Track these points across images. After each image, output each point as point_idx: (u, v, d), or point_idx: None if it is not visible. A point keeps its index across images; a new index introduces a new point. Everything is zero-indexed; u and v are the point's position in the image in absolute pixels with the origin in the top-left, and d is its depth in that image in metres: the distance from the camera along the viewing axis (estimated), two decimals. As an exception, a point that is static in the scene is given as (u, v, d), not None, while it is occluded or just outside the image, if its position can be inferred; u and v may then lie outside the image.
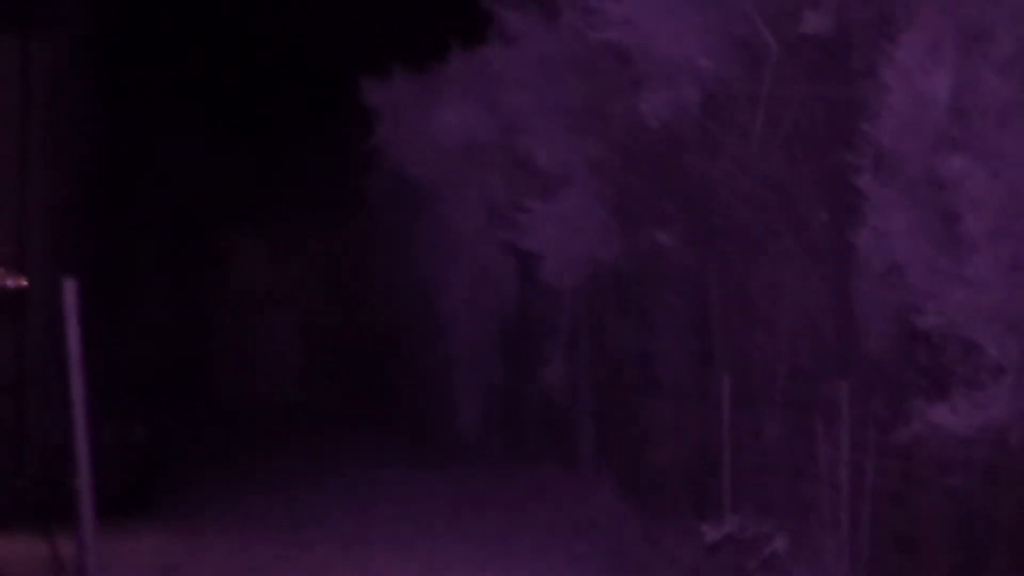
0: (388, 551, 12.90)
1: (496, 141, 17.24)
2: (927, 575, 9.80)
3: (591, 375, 16.17)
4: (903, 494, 10.00)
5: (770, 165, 11.67)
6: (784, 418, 11.42)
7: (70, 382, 8.63)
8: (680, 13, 11.68)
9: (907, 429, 9.43)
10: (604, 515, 14.05)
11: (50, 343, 10.57)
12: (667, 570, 11.81)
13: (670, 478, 13.41)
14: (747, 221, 12.29)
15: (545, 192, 15.36)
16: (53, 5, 15.50)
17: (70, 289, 8.59)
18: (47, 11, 15.26)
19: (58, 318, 8.85)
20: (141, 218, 23.99)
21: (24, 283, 13.12)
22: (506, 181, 17.26)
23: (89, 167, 19.11)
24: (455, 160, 18.36)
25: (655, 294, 14.54)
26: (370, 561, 12.50)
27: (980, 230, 8.83)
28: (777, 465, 11.40)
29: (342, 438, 21.31)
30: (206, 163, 25.54)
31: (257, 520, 14.55)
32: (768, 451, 11.57)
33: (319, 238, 27.42)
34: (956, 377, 9.07)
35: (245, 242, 28.26)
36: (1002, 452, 8.84)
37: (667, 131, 13.02)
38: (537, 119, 15.78)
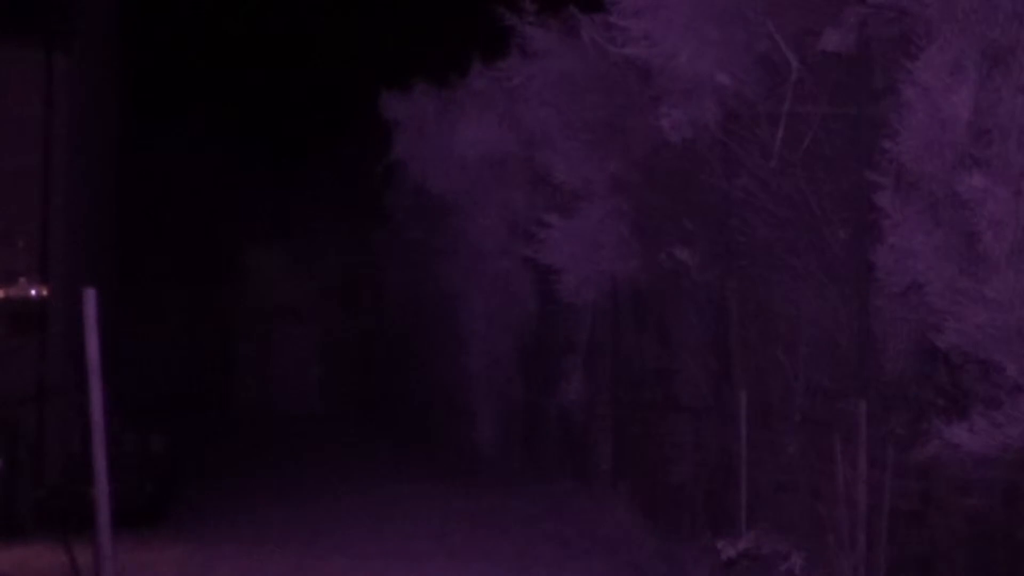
0: (404, 566, 12.90)
1: (516, 156, 17.29)
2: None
3: (609, 391, 16.16)
4: (921, 514, 9.96)
5: (790, 183, 11.66)
6: (802, 436, 11.39)
7: (89, 391, 8.65)
8: (701, 30, 11.69)
9: (925, 448, 9.42)
10: (621, 531, 14.02)
11: (71, 353, 10.60)
12: (684, 587, 11.80)
13: (687, 495, 13.38)
14: (766, 238, 12.27)
15: (565, 208, 15.39)
16: (76, 16, 15.58)
17: (90, 298, 8.62)
18: (70, 22, 15.35)
19: (79, 327, 8.89)
20: (163, 230, 24.07)
21: (45, 292, 13.18)
22: (526, 196, 17.31)
23: (111, 178, 19.23)
24: (475, 175, 18.42)
25: (674, 311, 14.52)
26: (387, 575, 12.51)
27: (1000, 249, 8.80)
28: (794, 483, 11.37)
29: (360, 451, 21.33)
30: (227, 176, 25.64)
31: (274, 533, 14.58)
32: (785, 469, 11.54)
33: (339, 252, 27.50)
34: (975, 397, 9.04)
35: (266, 255, 28.37)
36: (1022, 472, 8.81)
37: (687, 148, 13.04)
38: (557, 134, 15.81)
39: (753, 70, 11.57)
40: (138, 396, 18.21)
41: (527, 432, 18.41)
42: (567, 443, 17.02)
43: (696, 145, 12.95)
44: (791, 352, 11.89)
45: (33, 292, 13.15)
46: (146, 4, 20.79)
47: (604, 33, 12.93)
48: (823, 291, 11.35)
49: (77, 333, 9.04)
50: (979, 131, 9.05)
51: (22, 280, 13.30)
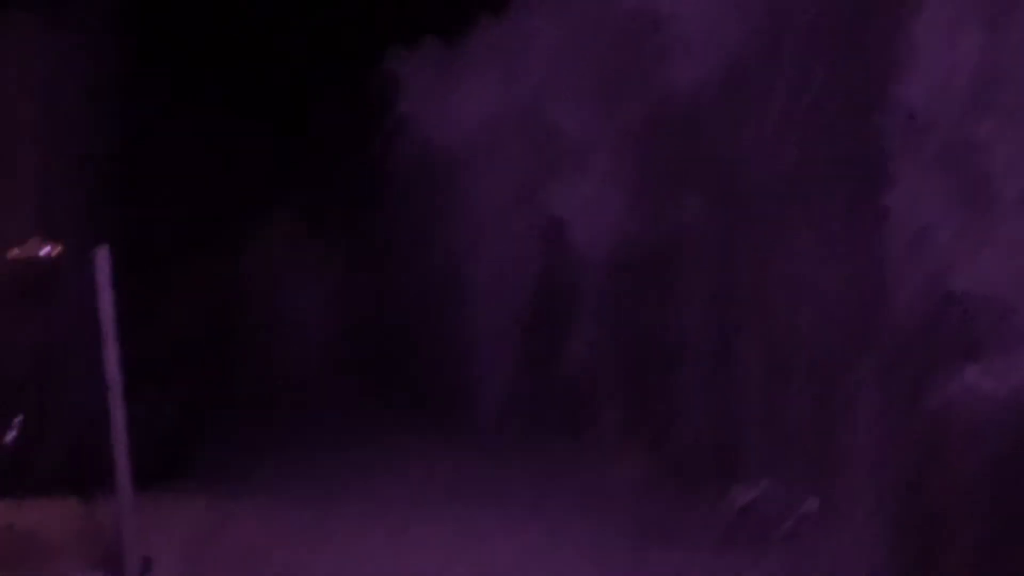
0: (419, 517, 12.96)
1: (523, 111, 17.22)
2: (959, 542, 9.80)
3: (618, 347, 16.15)
4: (935, 460, 9.98)
5: (797, 131, 11.66)
6: (812, 385, 11.42)
7: (104, 349, 8.70)
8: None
9: (939, 394, 9.45)
10: (634, 485, 14.04)
11: (84, 312, 10.64)
12: (697, 536, 11.83)
13: (698, 448, 13.41)
14: (774, 188, 12.28)
15: (571, 163, 15.37)
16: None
17: (103, 258, 8.66)
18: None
19: (91, 287, 8.94)
20: (170, 191, 24.00)
21: (57, 251, 13.21)
22: (533, 152, 17.25)
23: (117, 138, 19.16)
24: (481, 131, 18.33)
25: (682, 265, 14.52)
26: (402, 526, 12.57)
27: (1012, 193, 8.83)
28: (806, 433, 11.40)
29: (372, 411, 21.30)
30: (231, 135, 25.56)
31: (291, 489, 14.58)
32: (796, 419, 11.58)
33: (347, 212, 27.41)
34: (988, 341, 9.07)
35: (272, 216, 28.27)
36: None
37: (694, 99, 13.04)
38: (564, 88, 15.79)
39: (760, 17, 11.54)
40: (154, 356, 18.21)
41: (536, 389, 18.39)
42: (577, 399, 17.01)
43: (703, 96, 12.96)
44: (801, 301, 11.91)
45: (44, 252, 13.18)
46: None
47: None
48: (833, 239, 11.36)
49: (90, 292, 9.08)
50: (989, 74, 9.05)
51: (32, 240, 13.33)
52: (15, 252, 13.09)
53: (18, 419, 11.70)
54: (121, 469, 8.69)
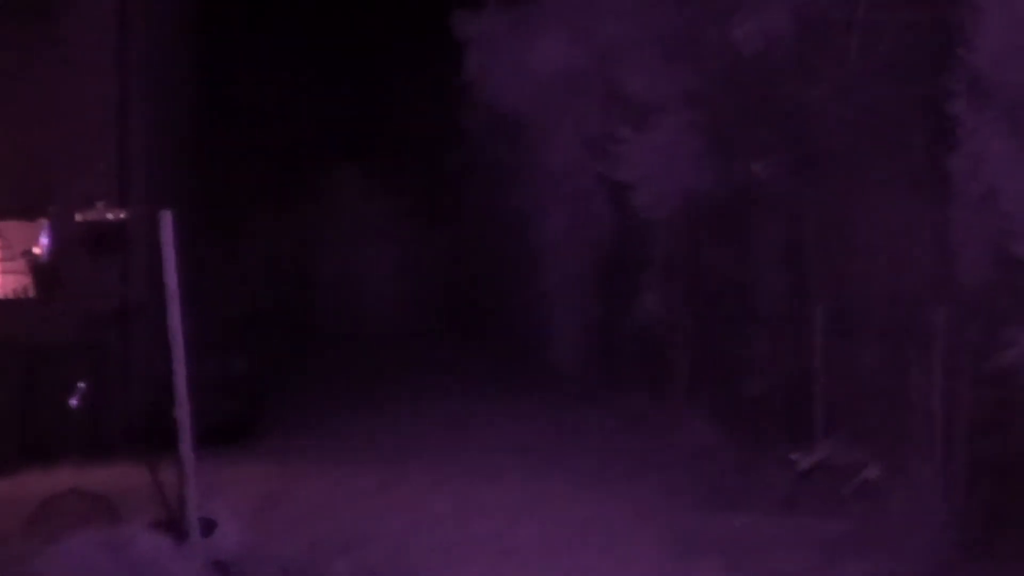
0: (485, 480, 13.03)
1: (590, 71, 17.17)
2: (1022, 503, 9.74)
3: (687, 305, 16.13)
4: (998, 421, 9.91)
5: (865, 92, 11.55)
6: (879, 346, 11.36)
7: (168, 311, 8.79)
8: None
9: (1002, 355, 9.36)
10: (699, 445, 14.06)
11: (152, 275, 10.75)
12: (761, 498, 11.81)
13: (765, 407, 13.38)
14: (842, 148, 12.19)
15: (639, 122, 15.32)
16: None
17: (167, 220, 8.74)
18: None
19: (159, 250, 9.02)
20: (242, 151, 24.15)
21: (124, 215, 13.34)
22: (601, 112, 17.19)
23: (188, 99, 19.32)
24: (549, 91, 18.31)
25: (750, 223, 14.46)
26: (468, 489, 12.64)
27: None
28: (872, 393, 11.34)
29: (441, 370, 21.45)
30: (305, 96, 25.68)
31: (357, 450, 14.76)
32: (863, 379, 11.52)
33: (417, 171, 27.49)
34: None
35: (345, 176, 28.39)
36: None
37: (761, 59, 12.94)
38: (631, 48, 15.72)
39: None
40: (222, 318, 18.40)
41: (605, 348, 18.43)
42: (644, 358, 17.03)
43: (770, 56, 12.86)
44: (868, 262, 11.84)
45: (112, 215, 13.32)
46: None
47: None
48: (900, 201, 11.27)
49: (158, 255, 9.15)
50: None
51: (100, 204, 13.47)
52: (82, 215, 13.23)
53: (82, 385, 11.82)
54: (183, 430, 8.79)
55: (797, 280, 13.45)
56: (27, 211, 14.66)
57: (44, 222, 14.62)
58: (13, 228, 14.81)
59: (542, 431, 15.72)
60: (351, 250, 28.36)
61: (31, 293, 14.64)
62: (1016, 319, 9.42)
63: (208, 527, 9.73)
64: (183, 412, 8.79)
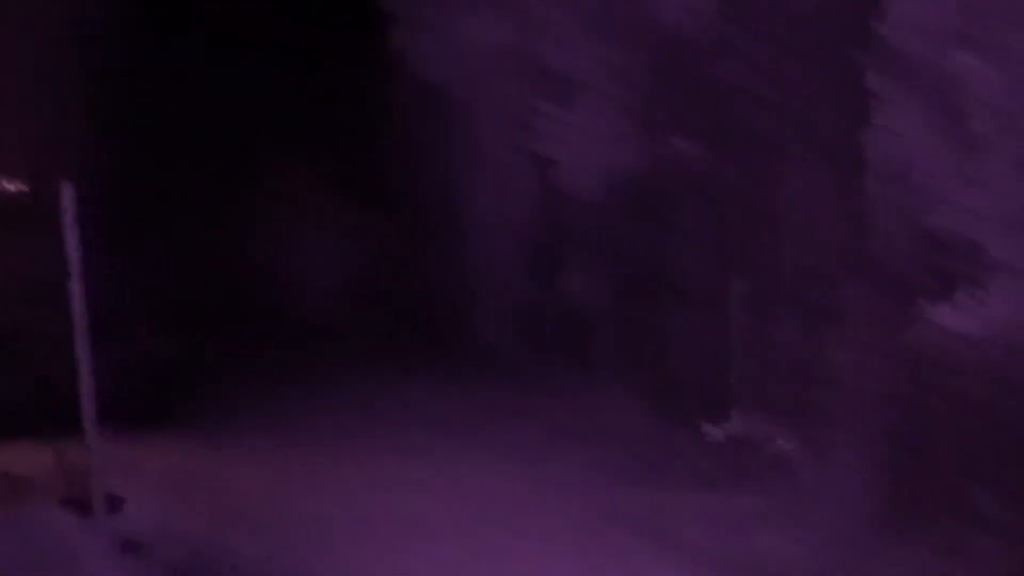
0: (404, 457, 12.98)
1: (516, 47, 17.08)
2: (936, 479, 9.77)
3: (611, 283, 16.10)
4: (912, 398, 9.93)
5: (783, 67, 11.54)
6: (795, 322, 11.36)
7: (71, 288, 8.67)
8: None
9: (914, 331, 9.38)
10: (620, 420, 14.04)
11: (63, 252, 10.55)
12: (677, 472, 11.81)
13: (684, 382, 13.37)
14: (762, 126, 12.18)
15: (564, 99, 15.26)
16: None
17: (67, 194, 8.60)
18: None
19: (74, 226, 8.88)
20: (171, 130, 23.83)
21: (26, 188, 13.13)
22: (527, 89, 17.11)
23: (113, 74, 18.95)
24: (476, 67, 18.21)
25: (673, 201, 14.44)
26: (386, 467, 12.60)
27: (989, 129, 8.71)
28: (788, 369, 11.36)
29: (369, 349, 21.29)
30: (230, 73, 25.39)
31: (279, 431, 14.56)
32: (779, 355, 11.53)
33: (347, 149, 27.30)
34: (962, 278, 8.99)
35: (277, 156, 28.15)
36: (1006, 354, 8.76)
37: (685, 35, 12.93)
38: (557, 24, 15.65)
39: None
40: (151, 298, 18.13)
41: (529, 326, 18.35)
42: (570, 336, 16.98)
43: (693, 32, 12.85)
44: (786, 238, 11.84)
45: (15, 187, 13.08)
46: None
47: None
48: (816, 176, 11.27)
49: (72, 231, 9.01)
50: (967, 7, 8.91)
51: (5, 177, 13.24)
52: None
53: None
54: (87, 407, 8.67)
55: (718, 256, 13.44)
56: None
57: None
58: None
59: (462, 409, 15.62)
60: (281, 230, 28.14)
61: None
62: (928, 293, 9.44)
63: (115, 504, 9.63)
64: (86, 388, 8.66)
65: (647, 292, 14.79)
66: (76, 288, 8.60)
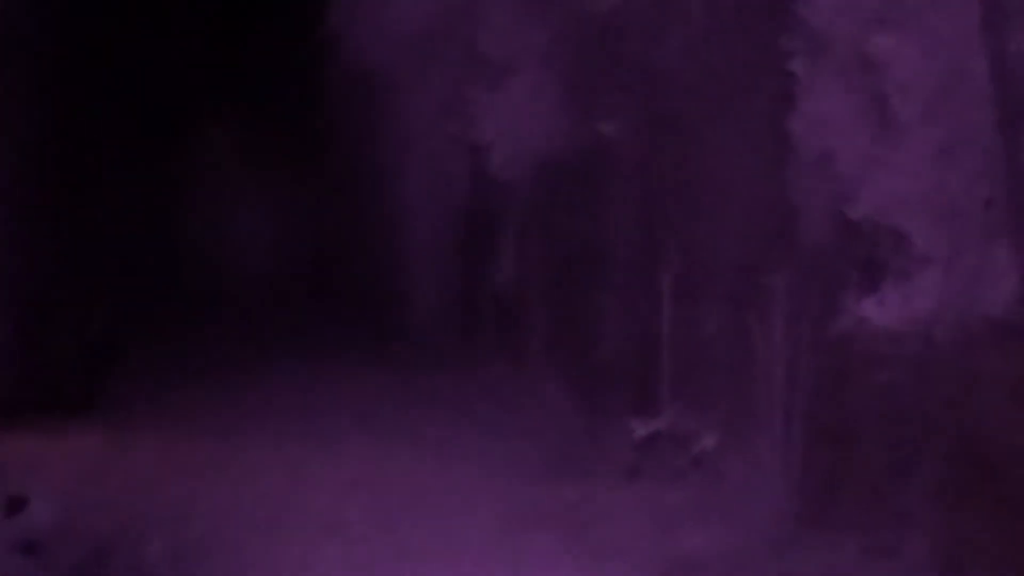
0: (324, 449, 12.70)
1: (446, 29, 16.83)
2: (861, 472, 9.55)
3: (541, 270, 15.85)
4: (836, 390, 9.70)
5: (709, 52, 11.32)
6: (722, 313, 11.13)
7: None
8: None
9: (838, 323, 9.16)
10: (549, 413, 13.81)
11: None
12: (604, 467, 11.59)
13: (613, 374, 13.12)
14: (689, 111, 11.95)
15: (493, 82, 15.01)
16: None
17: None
18: None
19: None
20: (96, 102, 23.28)
21: None
22: (457, 72, 16.85)
23: (47, 48, 18.44)
24: (408, 49, 17.93)
25: (603, 187, 14.20)
26: (304, 460, 12.30)
27: (910, 114, 8.48)
28: (714, 361, 11.12)
29: (297, 333, 20.99)
30: (159, 51, 24.96)
31: (196, 420, 14.26)
32: (706, 347, 11.29)
33: (283, 131, 26.94)
34: (887, 270, 8.76)
35: (207, 130, 27.77)
36: (930, 347, 8.54)
37: (614, 18, 12.70)
38: (487, 7, 15.40)
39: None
40: (75, 281, 17.75)
41: (460, 313, 18.10)
42: (501, 324, 16.74)
43: (623, 17, 12.63)
44: (713, 227, 11.60)
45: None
46: None
47: None
48: (743, 163, 11.02)
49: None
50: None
51: None
52: None
53: None
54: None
55: (647, 244, 13.19)
56: None
57: None
58: None
59: (391, 399, 15.36)
60: (213, 208, 27.76)
61: None
62: (853, 285, 9.21)
63: (16, 505, 9.29)
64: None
65: (576, 280, 14.56)
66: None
